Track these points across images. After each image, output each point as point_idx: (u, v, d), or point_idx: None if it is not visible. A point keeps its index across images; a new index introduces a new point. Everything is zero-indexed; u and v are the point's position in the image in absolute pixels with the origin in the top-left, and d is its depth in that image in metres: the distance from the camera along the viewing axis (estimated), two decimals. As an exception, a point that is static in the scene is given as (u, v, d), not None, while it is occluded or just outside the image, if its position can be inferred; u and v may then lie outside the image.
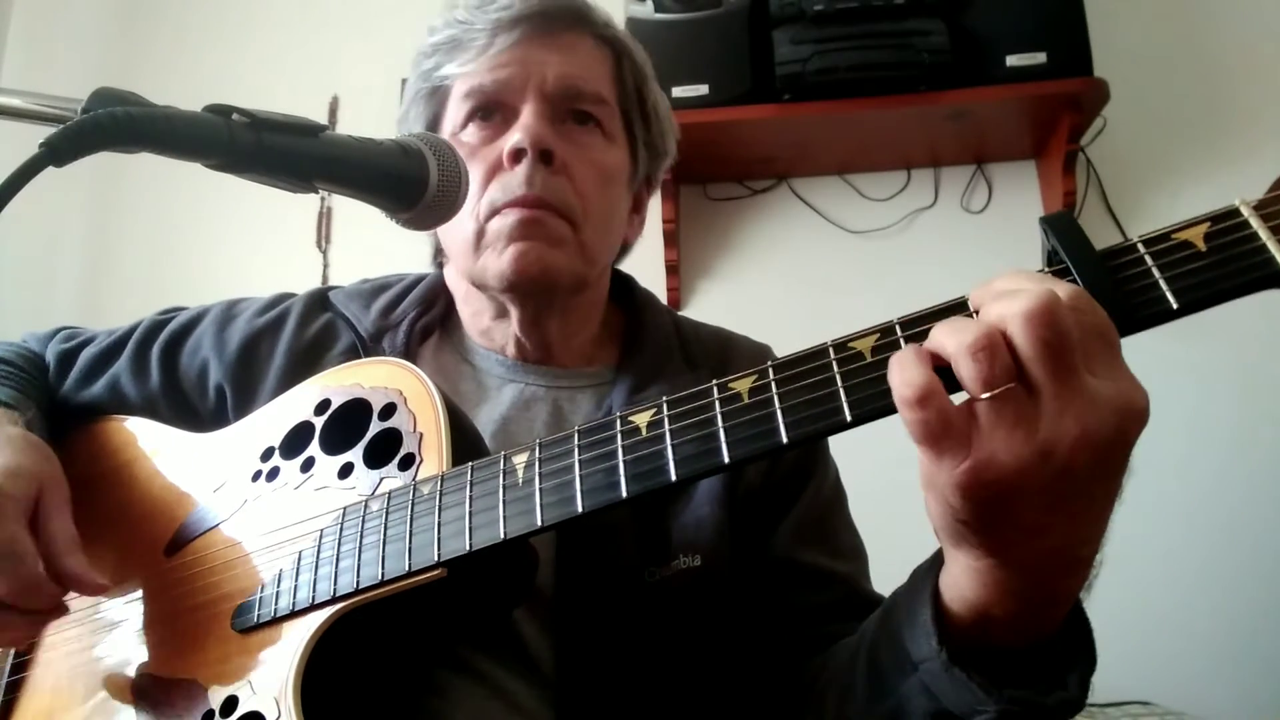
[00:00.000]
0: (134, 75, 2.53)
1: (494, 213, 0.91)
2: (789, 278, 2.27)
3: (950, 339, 0.52)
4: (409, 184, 0.73)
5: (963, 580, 0.58)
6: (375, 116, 2.36)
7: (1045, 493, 0.51)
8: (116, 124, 0.58)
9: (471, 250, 0.93)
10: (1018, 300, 0.50)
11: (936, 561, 0.62)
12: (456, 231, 0.93)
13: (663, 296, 2.20)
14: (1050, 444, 0.49)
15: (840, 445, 0.96)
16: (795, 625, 0.88)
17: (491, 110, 0.94)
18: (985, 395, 0.50)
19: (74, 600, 0.86)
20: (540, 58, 0.93)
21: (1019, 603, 0.57)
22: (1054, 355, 0.49)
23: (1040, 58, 1.98)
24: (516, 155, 0.90)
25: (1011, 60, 1.99)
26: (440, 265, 1.07)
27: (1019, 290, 0.51)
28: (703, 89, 2.04)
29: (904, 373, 0.52)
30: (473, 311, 1.01)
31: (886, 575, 0.75)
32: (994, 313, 0.52)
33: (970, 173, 2.27)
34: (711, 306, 2.27)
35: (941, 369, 0.52)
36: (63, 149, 0.55)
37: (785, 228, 2.30)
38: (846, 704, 0.73)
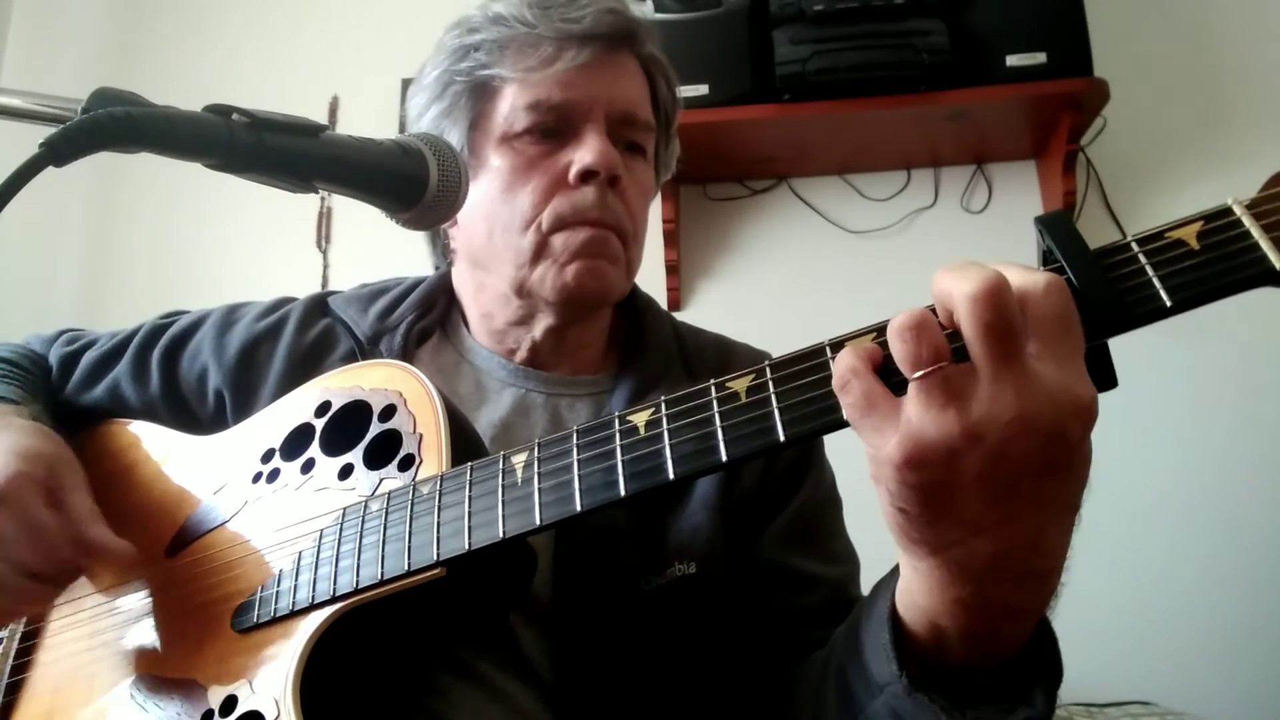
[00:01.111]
0: (134, 75, 2.53)
1: (561, 226, 0.91)
2: (789, 278, 2.27)
3: (891, 322, 0.53)
4: (409, 184, 0.73)
5: (914, 586, 0.58)
6: (375, 116, 2.37)
7: (980, 480, 0.51)
8: (116, 124, 0.58)
9: (527, 260, 0.92)
10: (966, 281, 0.50)
11: (892, 577, 0.62)
12: (505, 240, 0.93)
13: (663, 296, 2.20)
14: (982, 426, 0.49)
15: (835, 447, 0.96)
16: (782, 629, 0.88)
17: (553, 124, 0.93)
18: (915, 375, 0.51)
19: (75, 601, 0.86)
20: (606, 81, 0.94)
21: (968, 614, 0.56)
22: (995, 339, 0.49)
23: (1040, 58, 1.98)
24: (586, 176, 0.91)
25: (1011, 60, 1.99)
26: (449, 264, 1.06)
27: (969, 271, 0.51)
28: (703, 89, 2.04)
29: (836, 364, 0.55)
30: (484, 314, 1.00)
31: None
32: (942, 290, 0.52)
33: (970, 173, 2.27)
34: (711, 306, 2.27)
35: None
36: (63, 149, 0.56)
37: (785, 228, 2.30)
38: (822, 718, 0.73)
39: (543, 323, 0.96)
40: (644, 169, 0.99)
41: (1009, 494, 0.51)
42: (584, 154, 0.91)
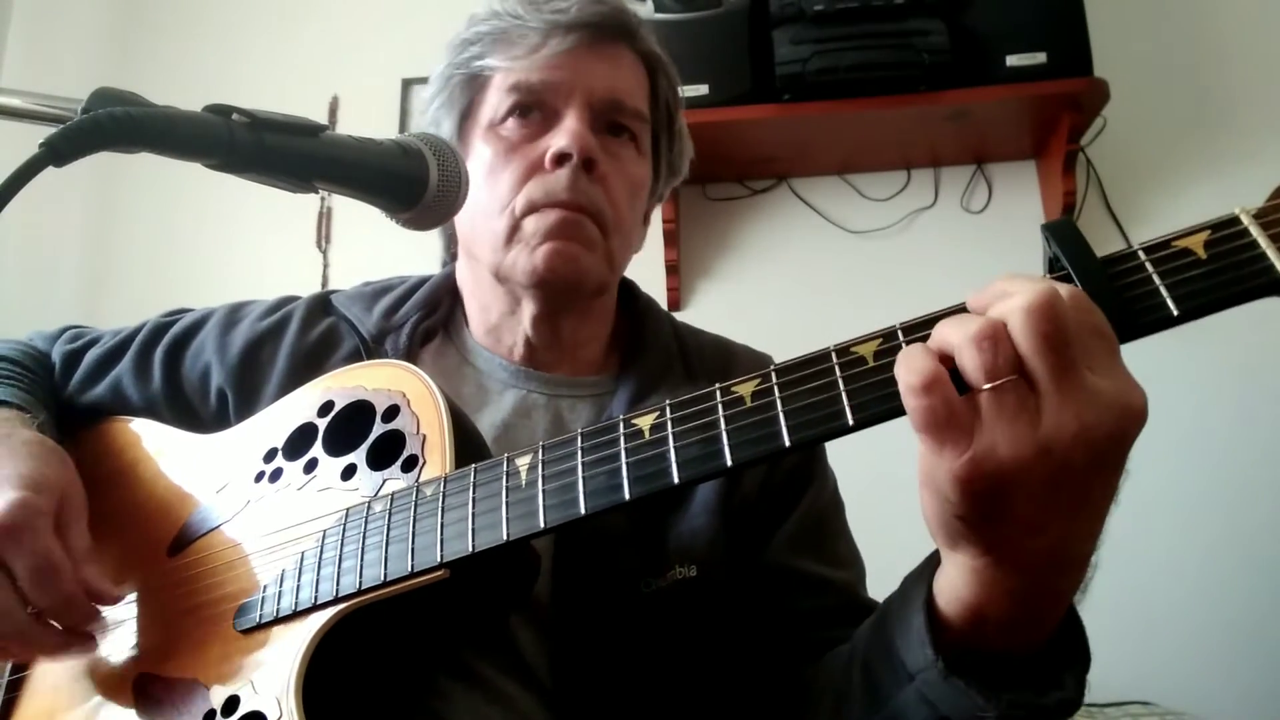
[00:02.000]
0: (134, 75, 2.53)
1: (532, 210, 0.92)
2: (789, 278, 2.27)
3: (954, 331, 0.52)
4: (409, 184, 0.73)
5: (959, 581, 0.58)
6: (375, 116, 2.37)
7: (1043, 488, 0.51)
8: (116, 124, 0.58)
9: (501, 244, 0.93)
10: (1017, 295, 0.51)
11: (928, 568, 0.62)
12: (485, 224, 0.94)
13: (663, 296, 2.20)
14: (1050, 439, 0.50)
15: (837, 449, 0.96)
16: (792, 631, 0.88)
17: (532, 108, 0.94)
18: (988, 386, 0.50)
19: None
20: (590, 67, 0.94)
21: (1015, 603, 0.57)
22: (1054, 349, 0.50)
23: (1040, 58, 1.98)
24: (560, 159, 0.91)
25: (1011, 60, 1.99)
26: (453, 257, 1.07)
27: (1018, 287, 0.52)
28: (703, 89, 2.04)
29: (910, 361, 0.52)
30: (481, 306, 1.00)
31: (881, 580, 0.75)
32: (995, 308, 0.52)
33: (970, 173, 2.28)
34: (711, 307, 2.27)
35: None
36: (63, 149, 0.55)
37: (785, 228, 2.30)
38: (842, 712, 0.73)
39: (527, 311, 0.96)
40: (633, 159, 0.98)
41: (1068, 497, 0.52)
42: (559, 137, 0.92)
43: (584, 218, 0.92)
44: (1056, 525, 0.53)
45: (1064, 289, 0.52)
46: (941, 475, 0.52)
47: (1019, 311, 0.50)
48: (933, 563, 0.62)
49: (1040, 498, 0.51)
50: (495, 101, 0.95)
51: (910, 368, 0.52)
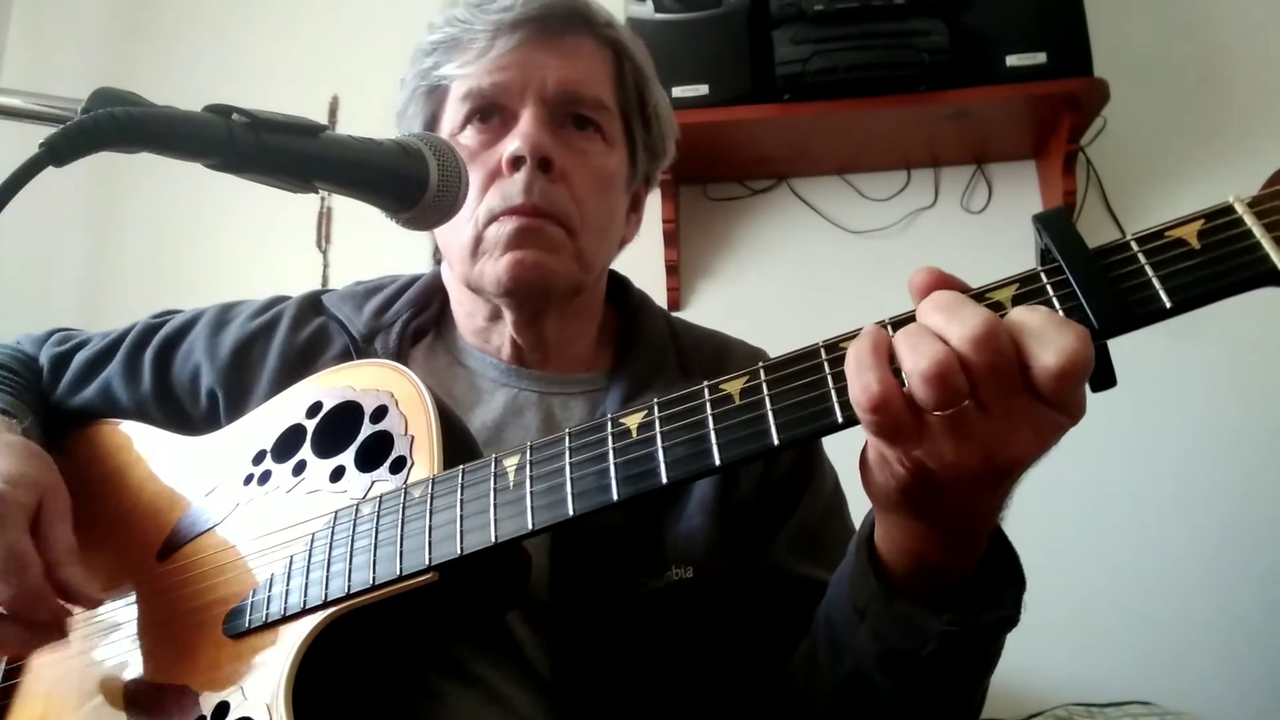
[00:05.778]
0: (134, 75, 2.52)
1: (492, 219, 0.91)
2: (789, 278, 2.26)
3: (909, 358, 0.54)
4: (409, 184, 0.73)
5: (895, 534, 0.65)
6: (375, 116, 2.35)
7: (978, 482, 0.57)
8: (116, 124, 0.58)
9: (469, 255, 0.92)
10: (962, 323, 0.53)
11: (867, 526, 0.69)
12: (454, 235, 0.93)
13: (662, 296, 2.20)
14: (992, 450, 0.55)
15: (838, 446, 0.95)
16: (791, 635, 0.87)
17: (489, 113, 0.93)
18: (937, 414, 0.53)
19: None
20: (540, 61, 0.92)
21: (945, 547, 0.63)
22: (999, 375, 0.53)
23: (1040, 58, 1.97)
24: (515, 162, 0.90)
25: (1011, 60, 1.98)
26: (438, 262, 1.06)
27: (961, 315, 0.54)
28: (703, 89, 2.03)
29: (861, 377, 0.55)
30: (466, 312, 1.00)
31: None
32: (947, 329, 0.54)
33: (970, 173, 2.27)
34: (711, 307, 2.27)
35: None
36: (63, 149, 0.55)
37: (785, 228, 2.30)
38: (815, 675, 0.76)
39: (508, 317, 0.96)
40: (600, 151, 0.96)
41: (1000, 485, 0.60)
42: (511, 139, 0.91)
43: (544, 221, 0.90)
44: (986, 503, 0.61)
45: (1025, 317, 0.53)
46: (892, 460, 0.57)
47: (967, 341, 0.52)
48: (871, 522, 0.68)
49: (975, 489, 0.58)
50: (453, 111, 0.95)
51: (861, 385, 0.55)
